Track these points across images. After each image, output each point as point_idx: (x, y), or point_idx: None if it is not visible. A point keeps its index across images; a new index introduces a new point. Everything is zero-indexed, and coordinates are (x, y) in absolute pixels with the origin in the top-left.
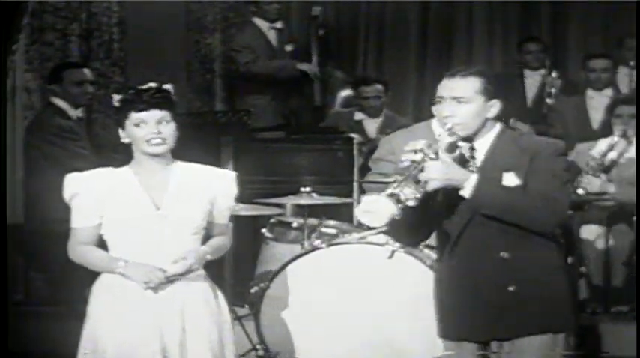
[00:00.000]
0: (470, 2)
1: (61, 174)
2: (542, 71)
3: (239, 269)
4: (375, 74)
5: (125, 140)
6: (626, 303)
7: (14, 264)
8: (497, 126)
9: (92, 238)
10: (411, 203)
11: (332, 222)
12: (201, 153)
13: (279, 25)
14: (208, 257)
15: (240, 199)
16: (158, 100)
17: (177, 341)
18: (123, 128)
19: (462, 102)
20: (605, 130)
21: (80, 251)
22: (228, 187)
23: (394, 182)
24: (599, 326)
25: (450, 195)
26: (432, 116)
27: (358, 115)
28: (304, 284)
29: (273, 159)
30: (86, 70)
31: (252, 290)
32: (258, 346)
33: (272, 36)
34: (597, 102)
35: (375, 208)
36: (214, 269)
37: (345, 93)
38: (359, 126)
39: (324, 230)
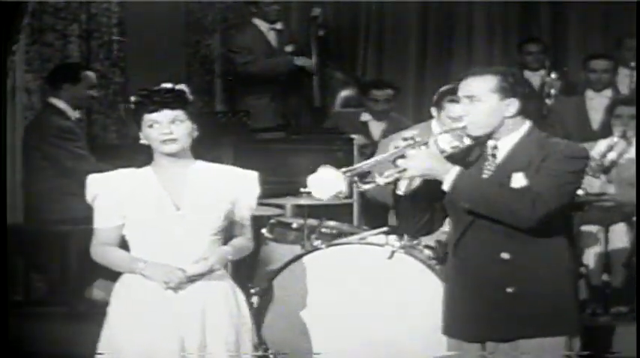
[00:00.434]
0: (470, 2)
1: (61, 174)
2: (542, 72)
3: (239, 270)
4: (386, 79)
5: (143, 141)
6: (626, 303)
7: (14, 265)
8: (525, 127)
9: (114, 239)
10: (399, 192)
11: (332, 223)
12: (201, 153)
13: (279, 25)
14: (229, 257)
15: None
16: (169, 100)
17: (197, 341)
18: (140, 130)
19: (475, 100)
20: (605, 131)
21: (102, 251)
22: (249, 187)
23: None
24: (599, 326)
25: (433, 187)
26: (431, 117)
27: (365, 116)
28: (304, 285)
29: (273, 160)
30: (93, 74)
31: (252, 291)
32: (258, 346)
33: (272, 37)
34: (597, 103)
35: (325, 180)
36: None
37: (345, 93)
38: (364, 128)
39: (323, 230)
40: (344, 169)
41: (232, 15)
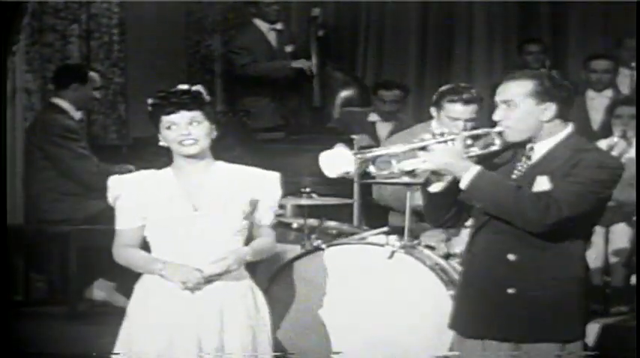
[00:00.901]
0: (470, 2)
1: (64, 174)
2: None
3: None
4: (397, 79)
5: (162, 143)
6: (626, 303)
7: (14, 265)
8: (565, 132)
9: (135, 240)
10: (431, 190)
11: (332, 223)
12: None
13: (279, 26)
14: (248, 258)
15: None
16: (186, 101)
17: (214, 342)
18: (159, 132)
19: (511, 105)
20: (605, 131)
21: (124, 252)
22: (271, 188)
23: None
24: (599, 326)
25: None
26: (431, 117)
27: (372, 117)
28: (304, 285)
29: (272, 160)
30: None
31: None
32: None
33: (272, 37)
34: (597, 103)
35: (336, 158)
36: None
37: (345, 93)
38: (372, 128)
39: (324, 230)
40: (356, 151)
41: (232, 15)
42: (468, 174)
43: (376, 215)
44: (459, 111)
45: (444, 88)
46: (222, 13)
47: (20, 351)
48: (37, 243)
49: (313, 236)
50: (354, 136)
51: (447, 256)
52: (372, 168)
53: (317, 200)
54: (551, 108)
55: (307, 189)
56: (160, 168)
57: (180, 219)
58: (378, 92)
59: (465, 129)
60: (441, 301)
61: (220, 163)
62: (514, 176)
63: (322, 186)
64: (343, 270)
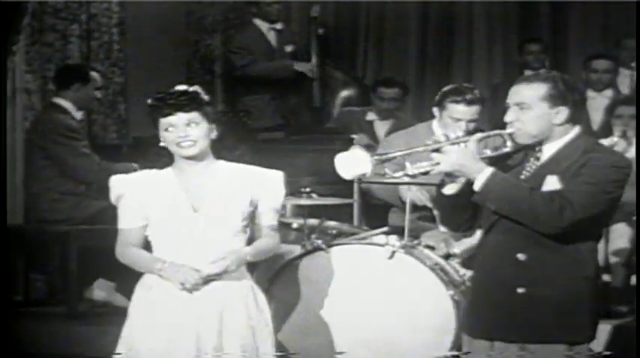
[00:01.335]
0: (470, 2)
1: (65, 173)
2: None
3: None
4: (397, 77)
5: (162, 144)
6: (626, 303)
7: (14, 265)
8: (573, 132)
9: (138, 239)
10: (446, 192)
11: (332, 223)
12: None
13: (279, 26)
14: (249, 258)
15: None
16: (183, 103)
17: (213, 342)
18: (159, 133)
19: (524, 108)
20: (605, 131)
21: (126, 252)
22: (273, 188)
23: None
24: (599, 326)
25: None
26: (432, 116)
27: (370, 116)
28: (304, 285)
29: (272, 160)
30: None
31: None
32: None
33: (272, 37)
34: (597, 103)
35: (353, 160)
36: None
37: (345, 93)
38: (370, 127)
39: (324, 230)
40: (373, 153)
41: (232, 15)
42: (482, 175)
43: (376, 215)
44: (461, 111)
45: (446, 88)
46: (222, 12)
47: (20, 351)
48: (37, 243)
49: (313, 236)
50: (353, 136)
51: (447, 256)
52: (386, 170)
53: (317, 200)
54: (563, 112)
55: (307, 189)
56: (162, 167)
57: (181, 219)
58: (378, 89)
59: (467, 130)
60: (441, 301)
61: (222, 162)
62: (523, 176)
63: (322, 186)
64: (343, 270)
